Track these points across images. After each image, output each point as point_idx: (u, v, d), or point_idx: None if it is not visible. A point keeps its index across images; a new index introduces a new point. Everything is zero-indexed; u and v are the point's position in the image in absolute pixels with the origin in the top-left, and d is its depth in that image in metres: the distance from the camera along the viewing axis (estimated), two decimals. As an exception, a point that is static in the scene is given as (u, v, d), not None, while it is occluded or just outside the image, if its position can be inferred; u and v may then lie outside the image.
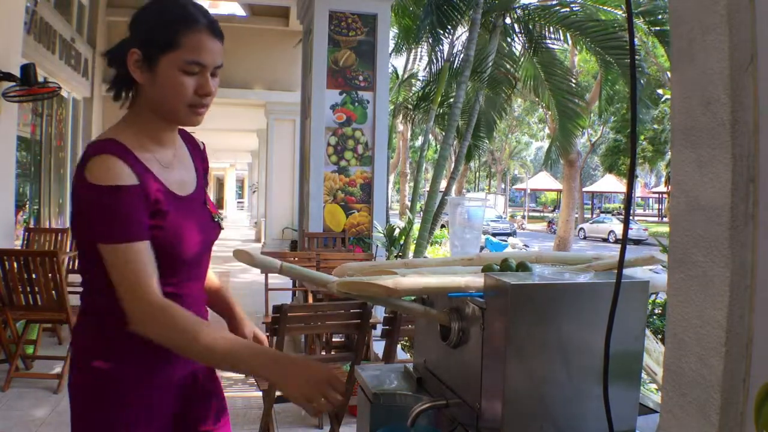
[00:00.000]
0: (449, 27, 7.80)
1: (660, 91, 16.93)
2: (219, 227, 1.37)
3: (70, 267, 5.77)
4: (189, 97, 1.20)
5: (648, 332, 1.69)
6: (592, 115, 14.25)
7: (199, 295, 1.35)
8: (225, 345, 1.12)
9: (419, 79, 12.67)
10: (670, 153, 0.96)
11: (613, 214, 32.45)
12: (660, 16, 8.12)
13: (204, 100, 1.23)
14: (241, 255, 1.10)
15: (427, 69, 10.15)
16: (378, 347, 4.21)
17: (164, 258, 1.19)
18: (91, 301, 1.25)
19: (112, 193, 1.13)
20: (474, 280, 1.24)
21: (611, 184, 34.92)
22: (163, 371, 1.26)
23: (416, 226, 8.18)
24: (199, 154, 1.40)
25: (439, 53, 8.34)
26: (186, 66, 1.18)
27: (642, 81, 8.85)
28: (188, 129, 1.36)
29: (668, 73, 16.95)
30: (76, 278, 5.83)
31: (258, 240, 14.40)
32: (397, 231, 6.31)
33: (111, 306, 1.16)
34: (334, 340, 4.56)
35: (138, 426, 1.22)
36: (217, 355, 1.12)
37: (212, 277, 1.49)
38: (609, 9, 8.61)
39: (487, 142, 11.51)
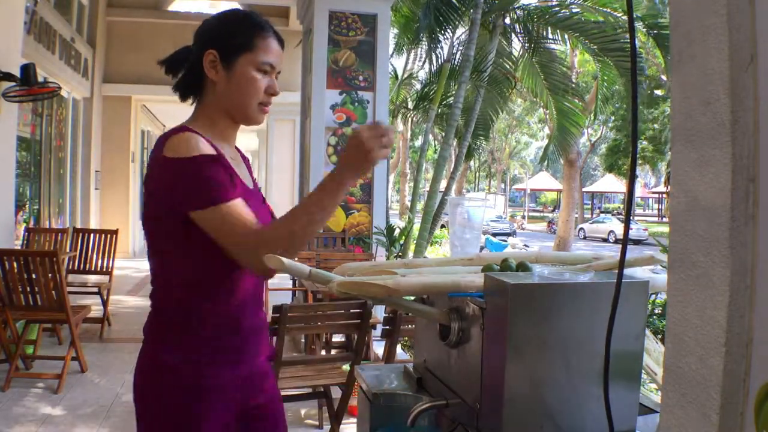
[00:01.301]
0: (448, 28, 7.81)
1: (658, 91, 16.94)
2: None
3: (70, 267, 5.77)
4: (260, 95, 1.33)
5: (648, 332, 1.69)
6: (592, 115, 14.25)
7: (262, 290, 1.43)
8: (311, 198, 1.25)
9: (419, 81, 12.66)
10: (669, 153, 0.96)
11: (613, 214, 32.45)
12: (658, 20, 8.13)
13: (269, 99, 1.35)
14: (272, 260, 1.14)
15: (427, 69, 10.16)
16: (378, 347, 4.22)
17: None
18: (164, 298, 1.32)
19: (198, 160, 1.22)
20: (474, 280, 1.24)
21: (611, 184, 34.92)
22: (230, 367, 1.32)
23: (416, 226, 8.18)
24: (248, 166, 1.50)
25: (438, 53, 8.34)
26: (261, 65, 1.31)
27: (644, 84, 8.86)
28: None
29: (663, 77, 16.97)
30: (76, 278, 5.84)
31: (258, 240, 14.37)
32: (397, 231, 6.31)
33: (183, 303, 1.27)
34: (334, 340, 4.56)
35: (209, 419, 1.28)
36: (317, 207, 1.23)
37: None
38: (608, 11, 8.61)
39: (485, 141, 11.49)
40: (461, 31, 9.08)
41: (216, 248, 1.25)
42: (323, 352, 4.20)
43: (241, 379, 1.35)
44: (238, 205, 1.22)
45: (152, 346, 1.33)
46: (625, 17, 8.21)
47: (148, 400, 1.32)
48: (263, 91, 1.32)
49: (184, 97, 1.38)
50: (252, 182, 1.43)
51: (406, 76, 12.90)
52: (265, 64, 1.31)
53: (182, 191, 1.22)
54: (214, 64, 1.31)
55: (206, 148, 1.24)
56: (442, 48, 8.27)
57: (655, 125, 22.81)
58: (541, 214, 42.86)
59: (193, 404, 1.28)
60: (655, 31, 8.09)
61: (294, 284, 6.14)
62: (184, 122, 1.35)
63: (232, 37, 1.31)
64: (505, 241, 17.54)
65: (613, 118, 25.74)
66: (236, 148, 1.47)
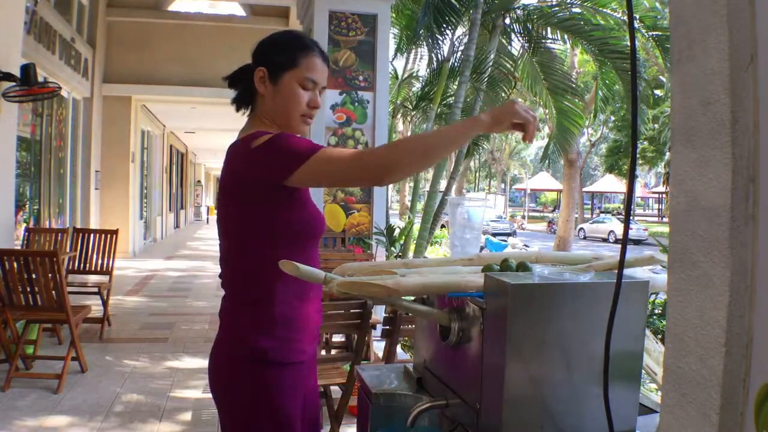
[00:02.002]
0: (448, 28, 7.80)
1: (658, 92, 16.94)
2: (324, 221, 1.59)
3: (70, 267, 5.78)
4: (303, 108, 1.49)
5: (648, 332, 1.69)
6: (592, 115, 14.24)
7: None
8: (443, 130, 1.40)
9: (419, 79, 12.65)
10: (669, 153, 0.96)
11: (613, 214, 32.45)
12: (658, 21, 8.13)
13: (312, 112, 1.51)
14: (286, 265, 1.19)
15: (428, 69, 10.15)
16: (378, 347, 4.22)
17: (310, 231, 1.45)
18: (245, 291, 1.44)
19: (283, 134, 1.38)
20: (474, 280, 1.24)
21: (611, 184, 34.92)
22: (311, 345, 1.49)
23: (416, 226, 8.18)
24: None
25: (438, 53, 8.34)
26: (304, 81, 1.47)
27: (641, 85, 8.87)
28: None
29: (662, 78, 16.97)
30: (76, 278, 5.84)
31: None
32: (397, 231, 6.31)
33: (264, 293, 1.40)
34: (334, 340, 4.56)
35: (292, 405, 1.43)
36: (440, 139, 1.35)
37: None
38: (608, 12, 8.61)
39: (485, 139, 11.48)
40: (461, 31, 9.08)
41: (295, 237, 1.41)
42: (323, 352, 4.20)
43: (311, 359, 1.52)
44: (331, 148, 1.36)
45: (241, 334, 1.43)
46: (625, 17, 8.22)
47: (245, 386, 1.41)
48: (305, 104, 1.48)
49: (238, 109, 1.57)
50: None
51: (406, 75, 12.90)
52: (308, 80, 1.47)
53: (279, 160, 1.34)
54: (263, 80, 1.48)
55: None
56: (441, 48, 8.27)
57: (655, 125, 22.81)
58: (541, 214, 42.86)
59: (282, 382, 1.41)
60: (654, 33, 8.09)
61: (294, 284, 6.14)
62: (243, 129, 1.51)
63: (279, 56, 1.47)
64: (505, 241, 17.55)
65: (613, 118, 25.74)
66: None
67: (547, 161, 11.35)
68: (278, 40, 1.51)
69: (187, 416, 3.54)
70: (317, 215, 1.49)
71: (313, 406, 1.60)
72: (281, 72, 1.46)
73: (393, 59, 8.96)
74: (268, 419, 1.41)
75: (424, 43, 8.10)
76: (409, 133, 24.62)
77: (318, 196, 6.04)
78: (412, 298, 1.38)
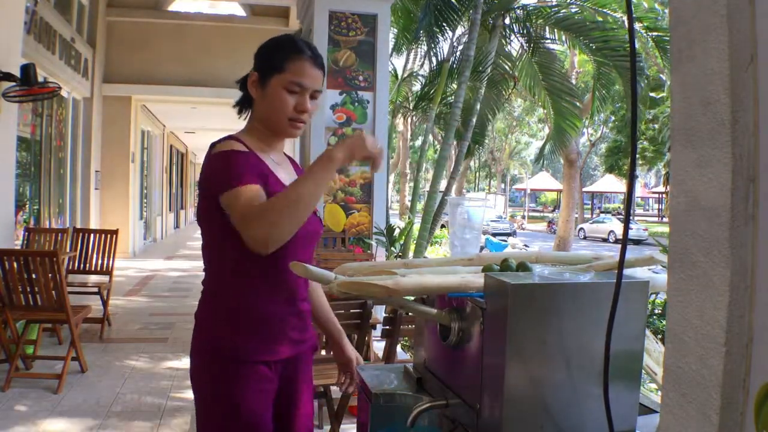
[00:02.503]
0: (447, 28, 7.81)
1: (653, 93, 16.93)
2: (321, 223, 1.63)
3: (70, 267, 5.77)
4: (289, 112, 1.47)
5: (648, 332, 1.69)
6: (589, 115, 14.23)
7: (305, 282, 1.56)
8: (305, 177, 1.38)
9: (419, 78, 12.65)
10: (669, 153, 0.96)
11: (613, 214, 32.45)
12: (658, 22, 8.13)
13: (301, 116, 1.49)
14: (296, 267, 1.22)
15: (427, 69, 10.16)
16: (378, 347, 4.22)
17: None
18: (213, 282, 1.50)
19: (228, 154, 1.41)
20: (474, 280, 1.24)
21: (611, 184, 34.92)
22: (280, 347, 1.48)
23: (416, 226, 8.18)
24: (300, 172, 1.68)
25: (438, 53, 8.34)
26: (289, 86, 1.46)
27: (642, 84, 8.86)
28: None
29: (663, 76, 16.97)
30: (76, 278, 5.84)
31: (258, 240, 14.36)
32: (397, 231, 6.31)
33: (230, 285, 1.44)
34: (334, 340, 4.56)
35: (252, 393, 1.43)
36: (306, 186, 1.35)
37: (319, 291, 1.72)
38: (608, 12, 8.61)
39: (480, 144, 11.48)
40: (461, 31, 9.08)
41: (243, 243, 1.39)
42: (323, 352, 4.20)
43: (283, 362, 1.50)
44: (251, 190, 1.35)
45: (205, 324, 1.48)
46: (624, 18, 8.21)
47: (204, 377, 1.46)
48: (292, 109, 1.47)
49: (240, 112, 1.59)
50: None
51: (406, 75, 12.89)
52: (294, 84, 1.45)
53: (216, 178, 1.40)
54: (255, 84, 1.50)
55: (241, 147, 1.42)
56: (441, 47, 8.28)
57: (655, 125, 22.80)
58: (541, 214, 42.86)
59: (239, 375, 1.42)
60: (654, 33, 8.09)
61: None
62: (238, 132, 1.55)
63: (268, 61, 1.48)
64: (505, 241, 17.55)
65: (613, 117, 25.73)
66: (285, 154, 1.66)
67: (543, 161, 11.35)
68: (269, 45, 1.52)
69: (187, 416, 3.54)
70: None
71: (301, 415, 1.58)
72: (269, 76, 1.47)
73: (390, 56, 8.92)
74: (227, 415, 1.42)
75: (424, 41, 8.09)
76: (409, 134, 24.63)
77: (318, 196, 6.04)
78: (412, 298, 1.38)
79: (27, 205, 7.61)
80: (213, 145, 1.47)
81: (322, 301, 1.71)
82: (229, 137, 1.48)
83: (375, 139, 1.40)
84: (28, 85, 4.96)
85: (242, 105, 1.59)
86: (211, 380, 1.45)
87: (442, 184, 8.29)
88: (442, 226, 13.50)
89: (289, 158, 1.69)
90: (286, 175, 1.55)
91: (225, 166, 1.39)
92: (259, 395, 1.44)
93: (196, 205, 1.53)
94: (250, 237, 1.31)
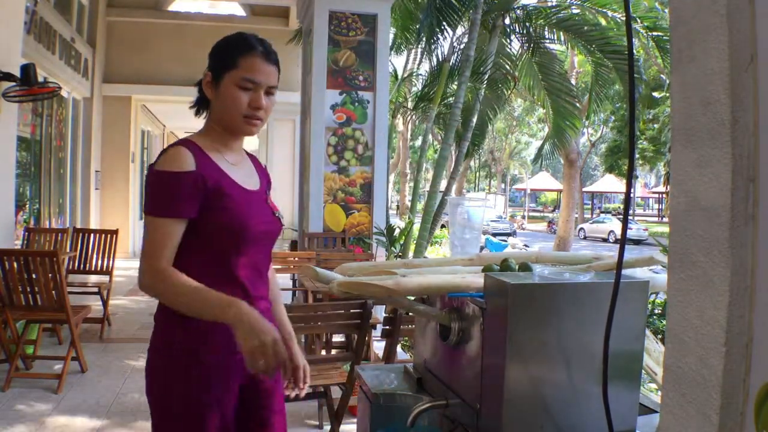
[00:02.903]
0: (448, 28, 7.81)
1: (655, 93, 16.92)
2: (279, 222, 1.59)
3: (70, 267, 5.77)
4: (244, 109, 1.45)
5: (648, 332, 1.69)
6: (592, 114, 14.23)
7: (265, 274, 1.55)
8: (214, 301, 1.32)
9: (419, 78, 12.66)
10: (669, 153, 0.96)
11: (613, 214, 32.44)
12: (658, 22, 8.13)
13: (256, 113, 1.47)
14: (307, 270, 1.25)
15: (427, 69, 10.16)
16: (378, 347, 4.22)
17: (232, 235, 1.44)
18: None
19: (163, 176, 1.39)
20: (474, 280, 1.24)
21: (611, 184, 34.90)
22: (233, 345, 1.41)
23: (416, 226, 8.18)
24: (262, 171, 1.67)
25: (438, 53, 8.34)
26: (242, 82, 1.44)
27: (641, 87, 8.86)
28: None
29: (663, 76, 16.97)
30: (76, 278, 5.84)
31: (258, 240, 14.38)
32: (397, 231, 6.31)
33: None
34: (334, 340, 4.56)
35: (210, 393, 1.42)
36: (196, 306, 1.34)
37: (277, 294, 1.68)
38: (608, 12, 8.61)
39: (479, 144, 11.48)
40: (461, 31, 9.08)
41: (207, 242, 1.43)
42: (323, 352, 4.20)
43: (241, 362, 1.45)
44: (166, 231, 1.38)
45: (161, 326, 1.47)
46: (624, 18, 8.19)
47: (159, 377, 1.45)
48: (246, 106, 1.45)
49: (197, 113, 1.58)
50: (260, 184, 1.59)
51: (406, 75, 12.89)
52: (246, 81, 1.44)
53: (148, 196, 1.42)
54: (209, 84, 1.48)
55: (181, 163, 1.39)
56: (442, 48, 8.28)
57: (655, 125, 22.80)
58: (541, 214, 42.84)
59: (195, 378, 1.41)
60: (654, 33, 8.09)
61: (294, 284, 6.14)
62: (197, 132, 1.55)
63: (220, 59, 1.47)
64: (505, 241, 17.55)
65: (613, 117, 25.73)
66: (246, 152, 1.64)
67: (541, 161, 11.36)
68: (221, 43, 1.50)
69: (187, 416, 3.53)
70: (237, 221, 1.44)
71: (270, 411, 1.58)
72: (222, 74, 1.46)
73: (390, 56, 8.92)
74: (180, 415, 1.42)
75: (425, 41, 8.08)
76: (409, 134, 24.61)
77: (318, 195, 6.04)
78: (413, 297, 1.38)
79: (27, 205, 7.61)
80: (162, 153, 1.44)
81: (277, 300, 1.68)
82: (182, 142, 1.46)
83: (283, 353, 1.29)
84: (28, 85, 4.96)
85: (199, 106, 1.57)
86: (166, 378, 1.44)
87: (442, 184, 8.29)
88: (442, 226, 13.49)
89: (252, 157, 1.67)
90: (244, 176, 1.53)
91: (156, 190, 1.40)
92: (218, 393, 1.44)
93: None
94: (140, 273, 1.37)
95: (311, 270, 1.20)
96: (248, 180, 1.54)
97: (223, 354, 1.43)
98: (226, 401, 1.46)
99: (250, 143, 17.14)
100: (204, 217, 1.41)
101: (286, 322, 1.68)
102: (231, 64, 1.44)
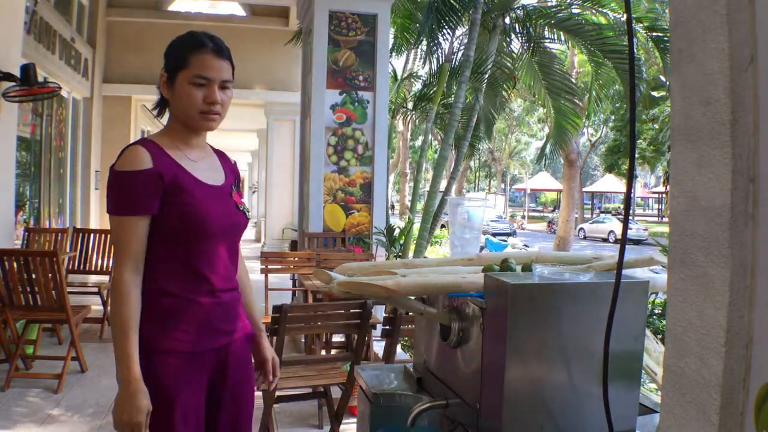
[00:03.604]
0: (448, 28, 7.81)
1: (655, 93, 16.92)
2: (244, 215, 1.63)
3: (70, 267, 5.77)
4: (199, 105, 1.49)
5: (648, 332, 1.69)
6: (593, 114, 14.23)
7: (232, 267, 1.60)
8: (124, 351, 1.39)
9: (420, 77, 12.66)
10: (669, 153, 0.96)
11: (612, 214, 32.44)
12: (658, 22, 8.13)
13: (212, 108, 1.50)
14: (321, 274, 1.28)
15: (427, 69, 10.16)
16: (378, 347, 4.21)
17: (193, 229, 1.48)
18: (144, 281, 1.51)
19: (120, 176, 1.44)
20: (474, 280, 1.24)
21: (611, 184, 34.90)
22: (204, 337, 1.51)
23: (416, 226, 8.18)
24: (229, 167, 1.70)
25: (438, 54, 8.34)
26: (194, 79, 1.48)
27: (641, 87, 8.86)
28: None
29: (662, 77, 16.99)
30: (76, 278, 5.84)
31: (258, 240, 14.39)
32: (397, 231, 6.31)
33: (151, 283, 1.46)
34: (334, 340, 4.56)
35: (180, 378, 1.46)
36: (118, 351, 1.40)
37: (246, 286, 1.72)
38: (608, 12, 8.61)
39: (486, 140, 11.49)
40: (461, 31, 9.08)
41: (170, 237, 1.48)
42: (323, 352, 4.20)
43: (214, 351, 1.54)
44: (126, 223, 1.43)
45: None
46: (624, 18, 8.20)
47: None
48: (201, 102, 1.49)
49: (159, 113, 1.60)
50: (225, 179, 1.62)
51: (406, 75, 12.89)
52: (198, 78, 1.48)
53: (108, 196, 1.47)
54: (165, 84, 1.52)
55: (138, 162, 1.44)
56: (442, 48, 8.27)
57: (655, 125, 22.80)
58: (541, 214, 42.84)
59: (156, 364, 1.45)
60: (654, 33, 8.08)
61: (294, 284, 6.14)
62: (158, 131, 1.59)
63: (172, 58, 1.51)
64: (505, 241, 17.54)
65: (613, 117, 25.73)
66: (212, 148, 1.69)
67: (544, 161, 11.35)
68: (174, 43, 1.54)
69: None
70: (196, 216, 1.48)
71: (239, 402, 1.61)
72: (175, 73, 1.49)
73: (389, 56, 8.93)
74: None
75: (425, 41, 8.08)
76: (409, 134, 24.63)
77: (318, 195, 6.04)
78: (413, 297, 1.38)
79: (27, 205, 7.61)
80: (120, 153, 1.48)
81: (246, 293, 1.71)
82: (140, 141, 1.50)
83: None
84: (28, 85, 4.96)
85: (161, 107, 1.60)
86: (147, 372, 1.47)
87: (442, 184, 8.29)
88: (442, 226, 13.49)
89: (219, 153, 1.71)
90: (206, 171, 1.57)
91: (115, 190, 1.45)
92: (181, 384, 1.47)
93: None
94: (113, 269, 1.47)
95: (325, 274, 1.22)
96: (211, 175, 1.58)
97: (181, 342, 1.48)
98: (194, 393, 1.50)
99: (250, 143, 17.14)
100: (164, 212, 1.45)
101: (256, 316, 1.73)
102: (183, 63, 1.48)
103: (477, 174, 44.44)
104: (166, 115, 1.61)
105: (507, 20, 8.69)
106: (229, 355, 1.57)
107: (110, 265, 5.76)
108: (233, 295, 1.60)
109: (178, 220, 1.46)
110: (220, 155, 1.71)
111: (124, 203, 1.44)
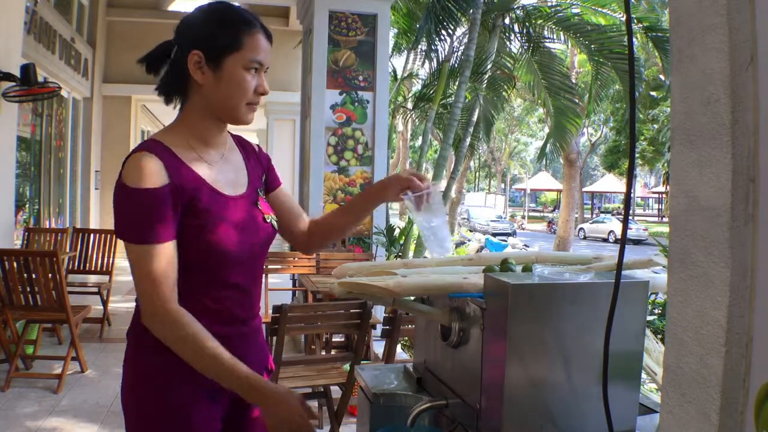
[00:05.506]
0: (448, 28, 7.81)
1: (655, 93, 16.94)
2: (271, 227, 1.40)
3: (70, 267, 5.77)
4: (250, 95, 1.28)
5: (648, 332, 1.69)
6: (593, 114, 14.25)
7: (255, 292, 1.39)
8: (218, 364, 1.18)
9: (420, 78, 12.66)
10: (669, 153, 0.96)
11: (612, 214, 32.45)
12: (658, 22, 8.14)
13: (259, 99, 1.31)
14: (342, 270, 1.27)
15: (427, 69, 10.17)
16: (378, 347, 4.22)
17: (210, 257, 1.26)
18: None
19: (136, 194, 1.19)
20: (474, 280, 1.24)
21: (611, 184, 34.91)
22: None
23: (416, 226, 8.17)
24: (254, 157, 1.47)
25: (438, 54, 8.34)
26: (249, 64, 1.26)
27: (641, 87, 8.88)
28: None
29: (662, 77, 17.00)
30: (76, 278, 5.84)
31: (258, 240, 14.38)
32: (397, 231, 6.31)
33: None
34: (334, 340, 4.56)
35: (195, 405, 1.28)
36: (215, 371, 1.19)
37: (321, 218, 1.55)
38: (608, 12, 8.62)
39: (486, 141, 11.49)
40: (461, 31, 9.09)
41: (187, 264, 1.26)
42: (323, 352, 4.20)
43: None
44: (160, 255, 1.19)
45: (134, 340, 1.34)
46: (624, 18, 8.20)
47: (133, 393, 1.31)
48: (253, 91, 1.28)
49: (168, 101, 1.34)
50: (248, 181, 1.39)
51: (406, 75, 12.89)
52: (254, 62, 1.26)
53: (116, 216, 1.23)
54: (199, 66, 1.25)
55: (153, 176, 1.20)
56: (442, 48, 8.27)
57: (655, 125, 22.81)
58: (541, 214, 42.84)
59: (171, 395, 1.27)
60: (654, 33, 8.09)
61: (294, 284, 6.14)
62: (169, 125, 1.35)
63: (217, 37, 1.24)
64: (505, 241, 17.55)
65: (613, 117, 25.74)
66: (239, 140, 1.46)
67: (544, 160, 11.36)
68: (215, 17, 1.27)
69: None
70: (220, 243, 1.26)
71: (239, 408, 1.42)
72: (223, 55, 1.24)
73: (390, 56, 8.92)
74: (146, 403, 1.29)
75: (425, 41, 8.08)
76: (409, 134, 24.61)
77: (318, 195, 6.04)
78: (413, 298, 1.38)
79: (27, 205, 7.61)
80: (126, 161, 1.23)
81: (327, 218, 1.53)
82: (148, 146, 1.24)
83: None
84: (28, 85, 4.96)
85: (170, 91, 1.32)
86: (137, 370, 1.31)
87: (442, 185, 8.29)
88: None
89: (239, 140, 1.46)
90: (229, 174, 1.35)
91: (132, 212, 1.21)
92: (183, 386, 1.28)
93: None
94: (143, 314, 1.21)
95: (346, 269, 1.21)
96: (232, 179, 1.35)
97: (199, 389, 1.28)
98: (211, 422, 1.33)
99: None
100: (179, 235, 1.23)
101: (345, 208, 1.53)
102: (235, 45, 1.24)
103: (477, 174, 44.44)
104: (167, 116, 1.47)
105: (507, 20, 8.69)
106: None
107: (110, 264, 5.76)
108: (255, 323, 1.40)
109: (192, 245, 1.24)
110: (241, 144, 1.46)
111: (147, 229, 1.19)
